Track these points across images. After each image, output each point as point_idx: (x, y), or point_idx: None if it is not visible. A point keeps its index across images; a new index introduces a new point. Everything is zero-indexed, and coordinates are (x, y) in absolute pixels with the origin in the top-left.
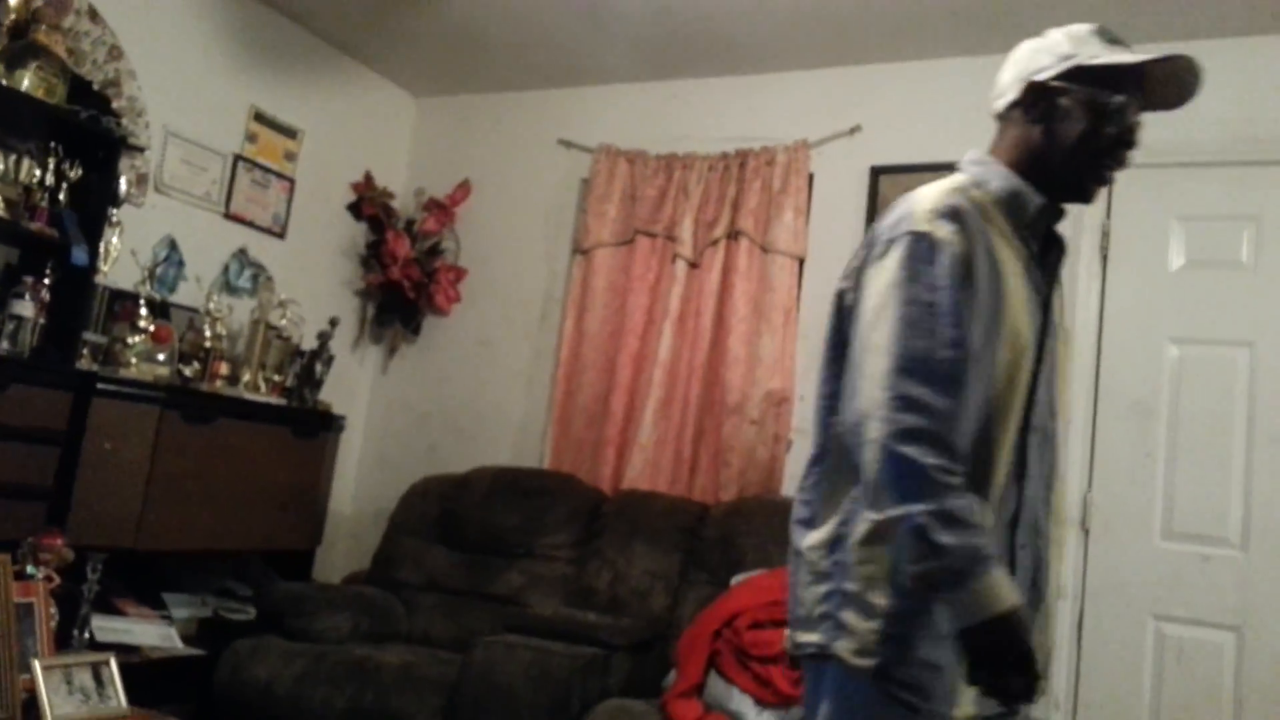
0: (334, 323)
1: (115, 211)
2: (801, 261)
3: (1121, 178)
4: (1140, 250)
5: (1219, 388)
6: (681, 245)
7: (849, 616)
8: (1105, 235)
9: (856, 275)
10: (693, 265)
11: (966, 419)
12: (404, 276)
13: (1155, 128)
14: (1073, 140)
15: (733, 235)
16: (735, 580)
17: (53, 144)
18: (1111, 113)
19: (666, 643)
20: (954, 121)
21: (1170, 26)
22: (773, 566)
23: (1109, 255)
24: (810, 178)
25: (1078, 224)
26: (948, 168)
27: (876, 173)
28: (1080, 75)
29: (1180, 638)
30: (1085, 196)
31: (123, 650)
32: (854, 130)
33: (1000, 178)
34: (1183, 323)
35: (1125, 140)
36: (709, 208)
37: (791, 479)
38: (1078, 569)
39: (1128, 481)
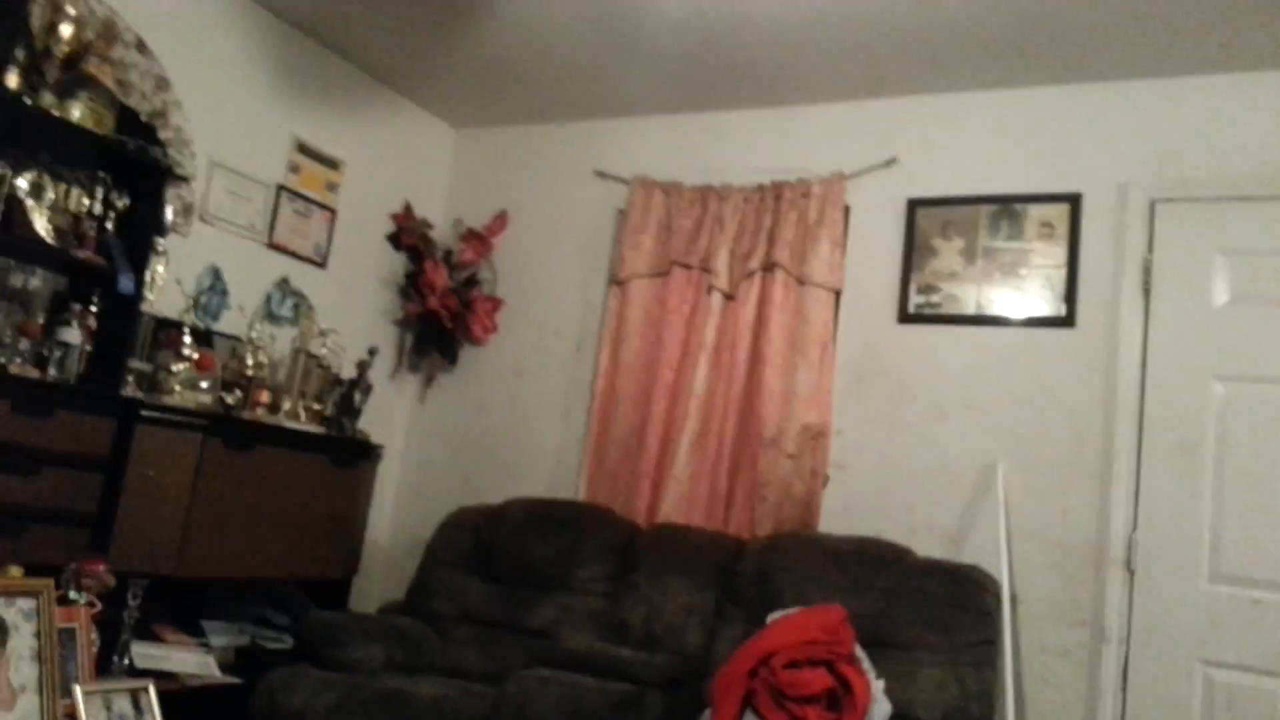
0: (373, 352)
1: (161, 240)
2: (838, 294)
3: (1163, 211)
4: (1183, 285)
5: (1266, 426)
6: (717, 277)
7: None
8: (1147, 270)
9: None
10: (728, 297)
11: None
12: (442, 306)
13: (1198, 161)
14: None
15: (768, 267)
16: (771, 618)
17: (101, 173)
18: None
19: (701, 680)
20: (991, 154)
21: (1211, 60)
22: (810, 604)
23: (1151, 290)
24: (846, 210)
25: (1119, 258)
26: (985, 200)
27: (913, 205)
28: None
29: (1230, 684)
30: None
31: (161, 677)
32: (890, 162)
33: None
34: (1228, 360)
35: None
36: (745, 239)
37: (829, 514)
38: (1123, 612)
39: (1174, 522)
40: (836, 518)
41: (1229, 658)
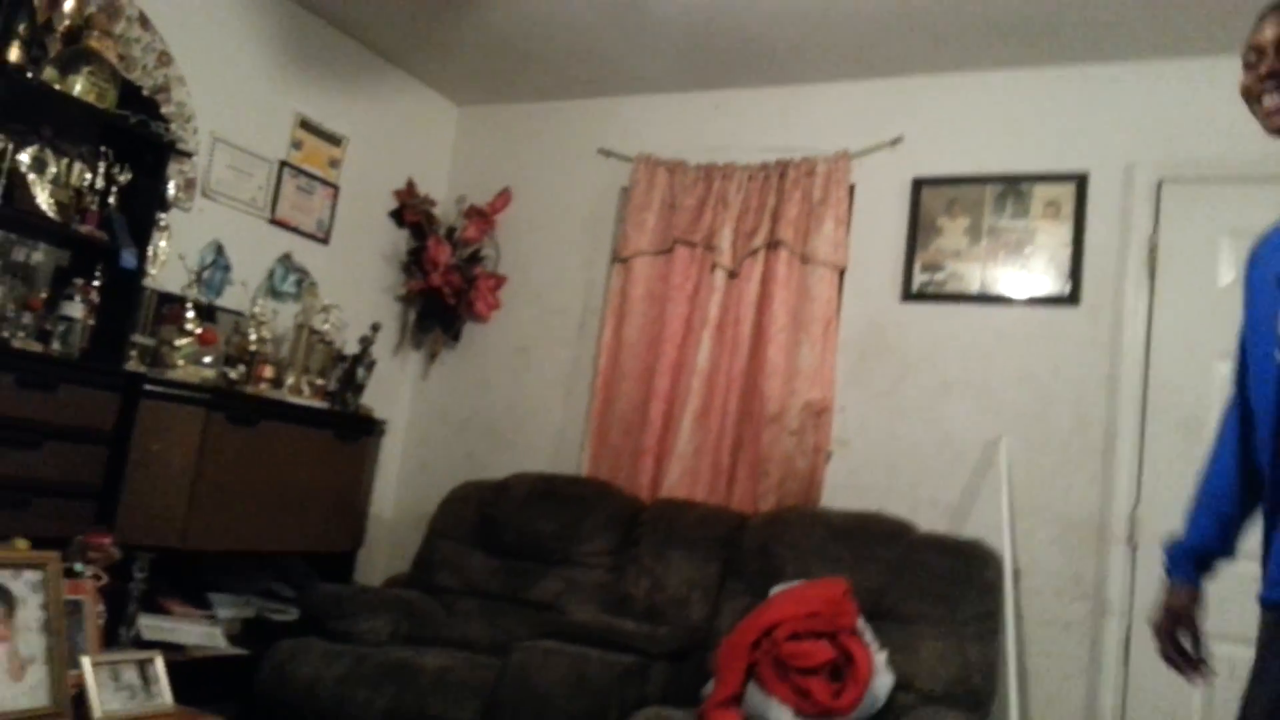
0: (376, 328)
1: (163, 216)
2: (842, 272)
3: (1169, 192)
4: (1189, 265)
5: None
6: (720, 255)
7: None
8: (1152, 250)
9: None
10: (732, 275)
11: None
12: (445, 283)
13: (1205, 142)
14: None
15: (772, 245)
16: (774, 591)
17: (103, 148)
18: None
19: (705, 652)
20: (997, 133)
21: (1220, 41)
22: (812, 578)
23: (1157, 271)
24: (851, 189)
25: (1125, 238)
26: (991, 180)
27: (918, 184)
28: None
29: (1232, 656)
30: None
31: (168, 649)
32: (895, 141)
33: None
34: (1232, 339)
35: None
36: (748, 217)
37: (832, 489)
38: (1125, 586)
39: (1177, 498)
40: (839, 493)
41: (1230, 630)
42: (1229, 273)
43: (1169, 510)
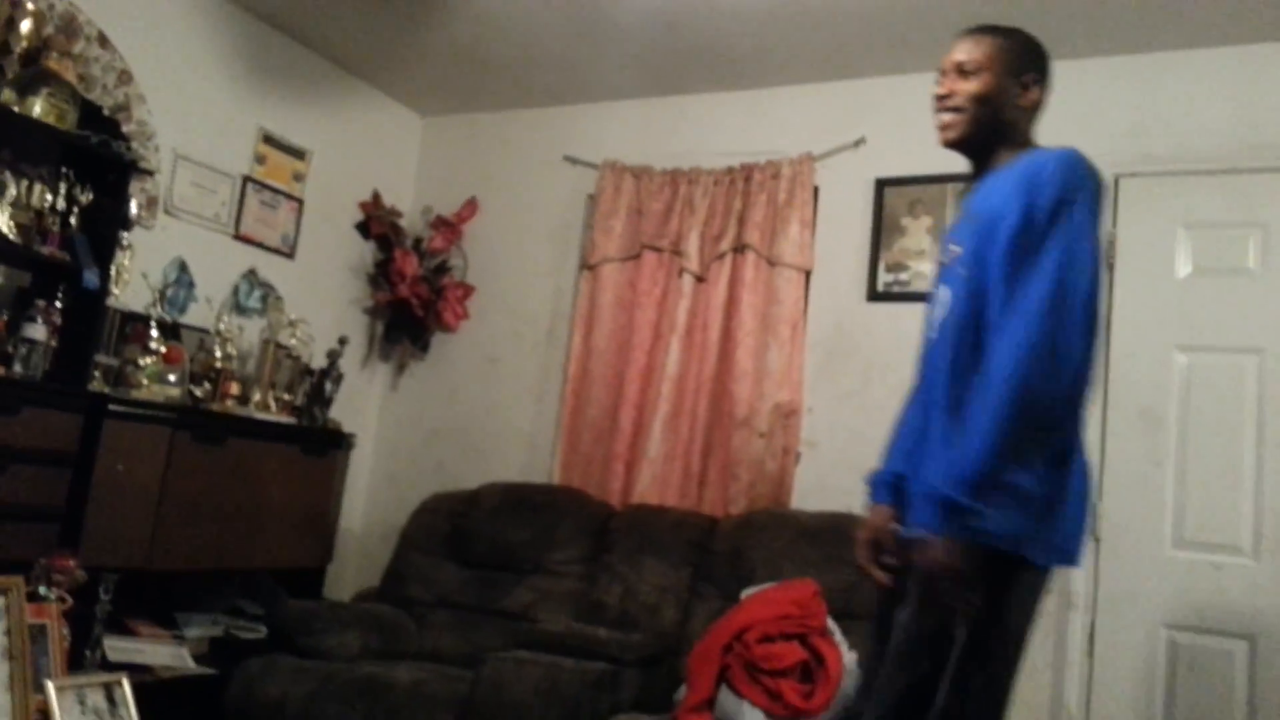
0: (343, 341)
1: (126, 234)
2: (808, 274)
3: (1127, 185)
4: (1146, 258)
5: (1228, 395)
6: (688, 259)
7: None
8: (1111, 244)
9: None
10: (699, 279)
11: None
12: (412, 294)
13: (1161, 136)
14: None
15: (739, 249)
16: (745, 594)
17: (64, 169)
18: None
19: (677, 657)
20: None
21: (1170, 36)
22: (783, 580)
23: (1115, 263)
24: (815, 190)
25: None
26: (952, 179)
27: (881, 184)
28: None
29: (1193, 646)
30: None
31: (135, 670)
32: (858, 143)
33: None
34: (1190, 330)
35: None
36: (715, 222)
37: (801, 491)
38: (1089, 579)
39: (1138, 490)
40: (808, 495)
41: (1192, 621)
42: (1186, 265)
43: (1131, 502)
